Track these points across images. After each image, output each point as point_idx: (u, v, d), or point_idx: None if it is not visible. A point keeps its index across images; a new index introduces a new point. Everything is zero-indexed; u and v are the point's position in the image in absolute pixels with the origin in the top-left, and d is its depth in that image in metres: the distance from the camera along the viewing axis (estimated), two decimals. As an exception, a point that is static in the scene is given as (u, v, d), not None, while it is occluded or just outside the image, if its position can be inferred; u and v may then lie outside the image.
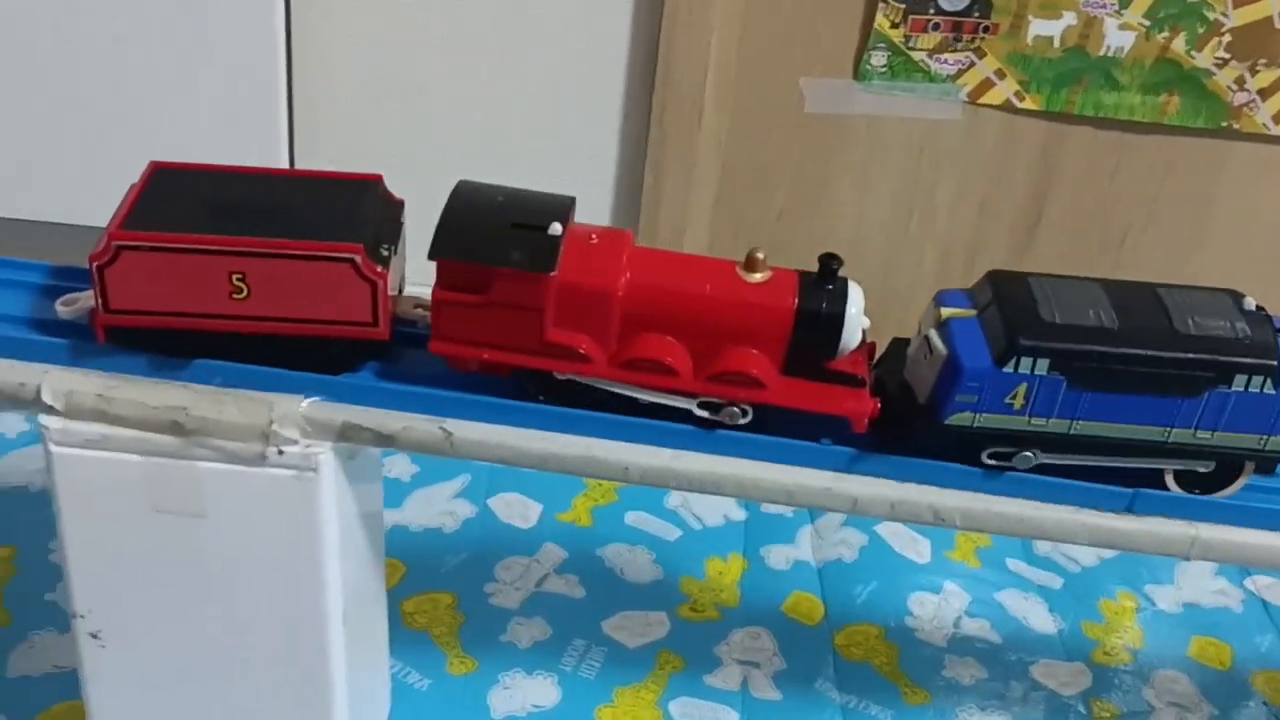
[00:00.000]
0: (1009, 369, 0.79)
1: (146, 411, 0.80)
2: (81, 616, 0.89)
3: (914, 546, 1.38)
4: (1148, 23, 1.43)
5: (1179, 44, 1.44)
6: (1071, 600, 1.34)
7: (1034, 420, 0.81)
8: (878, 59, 1.47)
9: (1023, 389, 0.80)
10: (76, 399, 0.81)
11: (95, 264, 0.79)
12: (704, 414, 0.83)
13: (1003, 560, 1.38)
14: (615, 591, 1.27)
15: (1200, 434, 0.82)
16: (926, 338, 0.83)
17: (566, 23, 1.48)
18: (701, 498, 1.39)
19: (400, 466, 1.39)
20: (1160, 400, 0.81)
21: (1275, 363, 0.80)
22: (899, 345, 0.89)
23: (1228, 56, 1.44)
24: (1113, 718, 1.20)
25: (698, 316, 0.81)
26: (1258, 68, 1.45)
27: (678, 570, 1.31)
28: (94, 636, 0.89)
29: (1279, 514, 0.86)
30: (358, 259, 0.79)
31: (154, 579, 0.87)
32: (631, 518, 1.38)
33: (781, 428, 0.84)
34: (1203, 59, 1.45)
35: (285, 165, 1.51)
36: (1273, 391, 0.80)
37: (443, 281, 0.80)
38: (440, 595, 1.24)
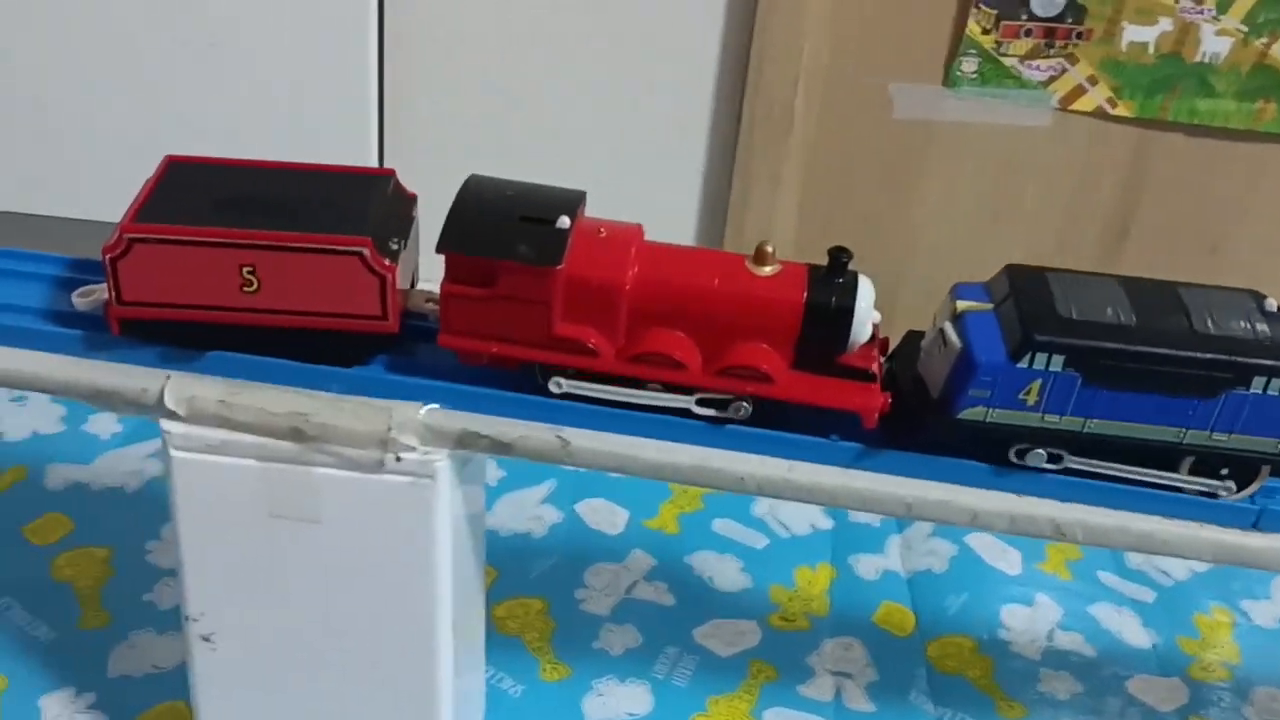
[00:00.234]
0: (1023, 364, 0.78)
1: (267, 417, 0.81)
2: (194, 619, 0.89)
3: (1004, 557, 1.36)
4: (1245, 28, 1.41)
5: (1277, 50, 1.42)
6: (1165, 614, 1.31)
7: (1047, 417, 0.80)
8: (968, 65, 1.45)
9: (1037, 385, 0.78)
10: (199, 404, 0.81)
11: (108, 256, 0.79)
12: (706, 411, 0.82)
13: (1094, 573, 1.36)
14: (705, 599, 1.26)
15: (1216, 436, 0.80)
16: (941, 330, 0.81)
17: (657, 30, 1.48)
18: (788, 505, 1.38)
19: (487, 471, 1.39)
20: (1176, 400, 0.79)
21: None
22: (914, 338, 0.87)
23: (1327, 63, 1.42)
24: (1213, 735, 1.18)
25: (706, 310, 0.80)
26: (1358, 74, 1.43)
27: (767, 579, 1.30)
28: (205, 639, 0.90)
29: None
30: (366, 252, 0.79)
31: (267, 583, 0.88)
32: (719, 525, 1.37)
33: (790, 423, 0.83)
34: (1301, 65, 1.43)
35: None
36: None
37: (451, 275, 0.80)
38: (531, 600, 1.24)
